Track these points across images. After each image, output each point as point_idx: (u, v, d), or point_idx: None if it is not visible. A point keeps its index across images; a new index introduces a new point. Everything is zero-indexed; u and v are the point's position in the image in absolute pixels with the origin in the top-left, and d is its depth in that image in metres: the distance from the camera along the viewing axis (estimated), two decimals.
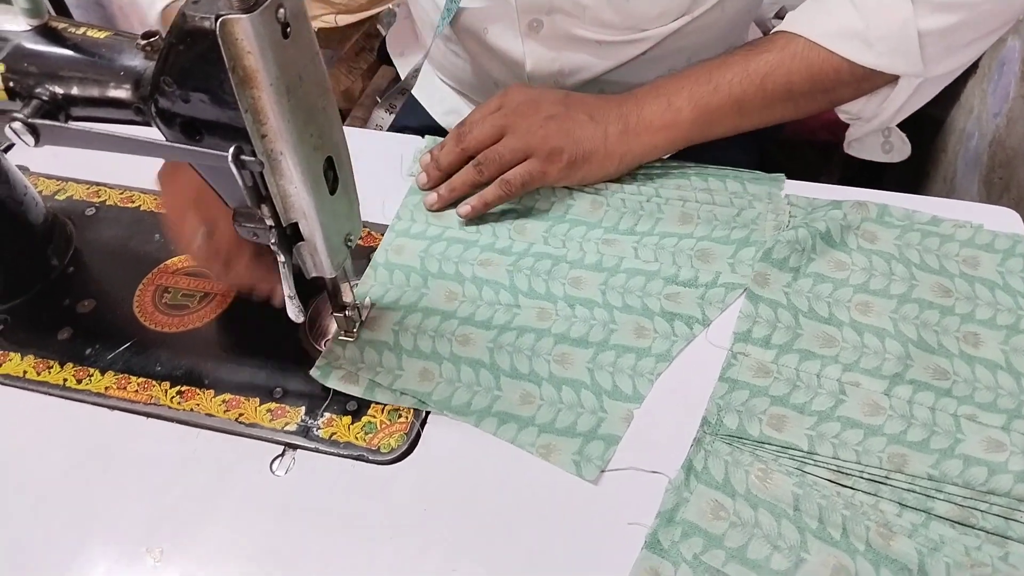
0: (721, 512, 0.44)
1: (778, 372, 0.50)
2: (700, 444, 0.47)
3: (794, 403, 0.49)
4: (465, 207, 0.59)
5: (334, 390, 0.51)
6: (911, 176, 1.06)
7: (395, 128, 0.81)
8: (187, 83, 0.39)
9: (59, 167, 0.66)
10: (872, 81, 0.59)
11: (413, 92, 0.82)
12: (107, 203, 0.64)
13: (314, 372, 0.51)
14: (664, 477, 0.46)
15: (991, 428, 0.47)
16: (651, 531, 0.44)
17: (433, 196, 0.61)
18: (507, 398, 0.50)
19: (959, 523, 0.43)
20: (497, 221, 0.60)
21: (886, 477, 0.45)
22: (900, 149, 0.66)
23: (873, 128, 0.63)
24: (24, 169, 0.66)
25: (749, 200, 0.60)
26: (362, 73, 1.05)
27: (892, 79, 0.58)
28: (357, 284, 0.56)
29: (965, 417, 0.48)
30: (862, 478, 0.45)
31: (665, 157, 0.64)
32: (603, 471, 0.47)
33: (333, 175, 0.42)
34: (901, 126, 0.64)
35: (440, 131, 0.78)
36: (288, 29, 0.35)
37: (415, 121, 0.80)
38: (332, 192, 0.42)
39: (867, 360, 0.50)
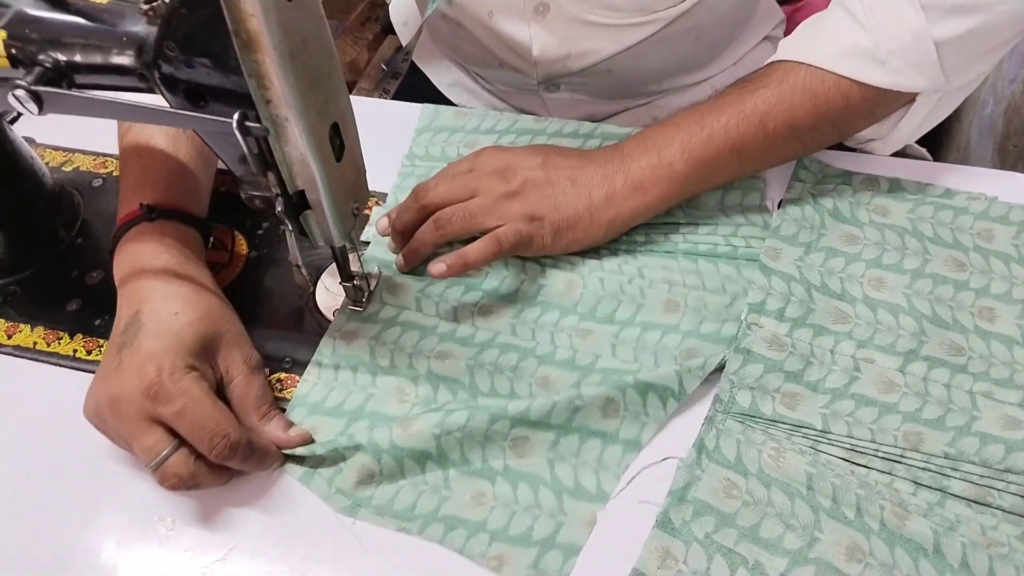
0: (733, 491, 0.43)
1: (792, 346, 0.48)
2: (712, 422, 0.45)
3: (808, 380, 0.47)
4: (439, 265, 0.50)
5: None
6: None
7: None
8: (191, 48, 0.38)
9: (65, 138, 0.65)
10: (885, 105, 0.52)
11: (415, 60, 0.79)
12: (114, 174, 0.62)
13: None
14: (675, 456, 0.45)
15: (1007, 405, 0.45)
16: (662, 510, 0.42)
17: (400, 260, 0.53)
18: (456, 498, 0.43)
19: (975, 502, 0.42)
20: (460, 302, 0.51)
21: (901, 456, 0.43)
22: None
23: (886, 152, 0.57)
24: (30, 141, 0.64)
25: (743, 287, 0.51)
26: (368, 44, 1.03)
27: (907, 100, 0.52)
28: (364, 253, 0.55)
29: (981, 394, 0.46)
30: (877, 457, 0.44)
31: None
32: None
33: (339, 142, 0.41)
34: None
35: (446, 103, 0.76)
36: None
37: (418, 95, 0.78)
38: (338, 159, 0.41)
39: (881, 336, 0.48)
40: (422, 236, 0.52)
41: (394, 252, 0.55)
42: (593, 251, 0.54)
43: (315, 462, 0.45)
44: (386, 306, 0.52)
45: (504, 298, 0.51)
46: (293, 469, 0.45)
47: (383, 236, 0.56)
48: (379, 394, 0.48)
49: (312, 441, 0.46)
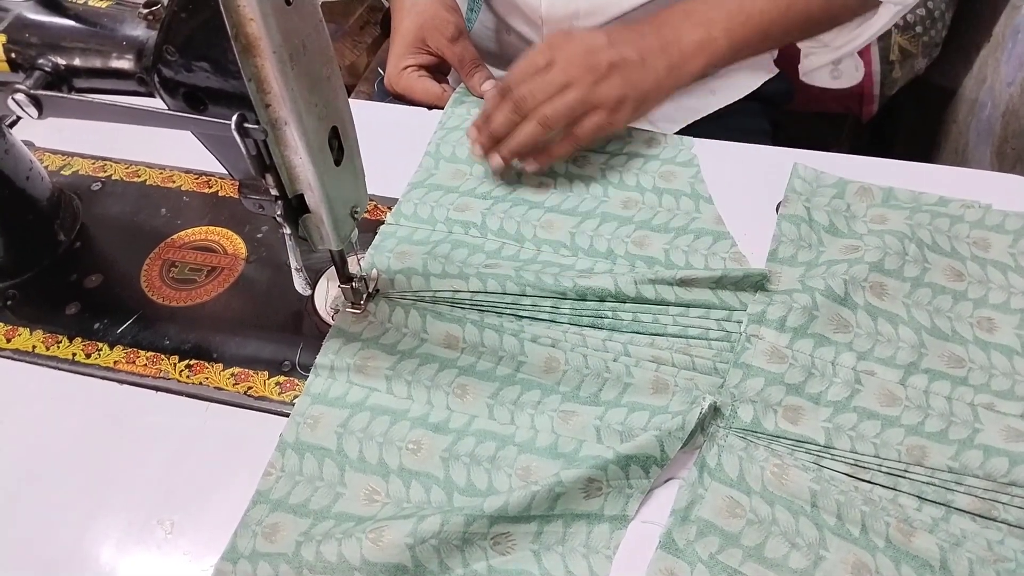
0: (737, 509, 0.41)
1: (793, 358, 0.46)
2: (713, 439, 0.43)
3: (809, 392, 0.45)
4: (532, 164, 0.56)
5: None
6: (922, 147, 1.02)
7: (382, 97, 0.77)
8: (190, 52, 0.37)
9: (64, 142, 0.64)
10: (867, 5, 0.60)
11: None
12: (113, 178, 0.61)
13: None
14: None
15: (1010, 417, 0.44)
16: (665, 530, 0.40)
17: (497, 160, 0.56)
18: None
19: (981, 516, 0.40)
20: (434, 381, 0.46)
21: (905, 470, 0.42)
22: (851, 75, 0.66)
23: (835, 57, 0.63)
24: (29, 144, 0.63)
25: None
26: (367, 47, 1.01)
27: (872, 6, 0.60)
28: (363, 256, 0.54)
29: (983, 406, 0.44)
30: (880, 472, 0.42)
31: (644, 287, 0.50)
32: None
33: (338, 145, 0.39)
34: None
35: None
36: None
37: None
38: (337, 163, 0.40)
39: (881, 348, 0.47)
40: (528, 138, 0.55)
41: (482, 158, 0.57)
42: (575, 326, 0.49)
43: None
44: (354, 387, 0.47)
45: (481, 375, 0.47)
46: None
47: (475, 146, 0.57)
48: (348, 493, 0.43)
49: None
